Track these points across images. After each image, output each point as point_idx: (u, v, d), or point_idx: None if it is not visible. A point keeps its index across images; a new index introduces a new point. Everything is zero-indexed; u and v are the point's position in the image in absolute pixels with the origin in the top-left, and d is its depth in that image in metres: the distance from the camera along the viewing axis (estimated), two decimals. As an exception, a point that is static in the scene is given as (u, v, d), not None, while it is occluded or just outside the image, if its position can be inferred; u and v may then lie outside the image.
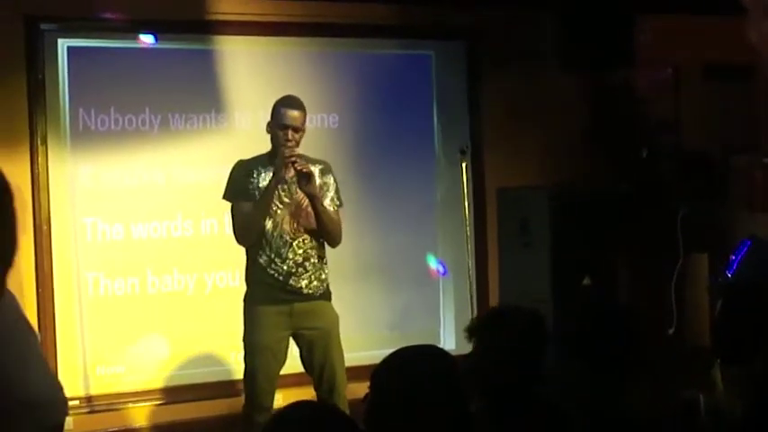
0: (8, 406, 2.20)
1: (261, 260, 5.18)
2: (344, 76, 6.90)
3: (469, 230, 6.40)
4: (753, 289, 3.86)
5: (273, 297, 5.15)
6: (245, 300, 5.26)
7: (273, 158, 5.15)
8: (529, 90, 7.16)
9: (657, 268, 7.02)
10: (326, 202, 5.21)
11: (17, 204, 1.57)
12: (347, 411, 4.80)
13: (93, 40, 6.35)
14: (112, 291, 6.29)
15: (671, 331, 6.80)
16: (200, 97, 6.50)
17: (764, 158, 6.99)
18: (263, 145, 5.23)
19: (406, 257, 7.06)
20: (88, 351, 6.23)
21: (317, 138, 6.16)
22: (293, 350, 5.29)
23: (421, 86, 7.21)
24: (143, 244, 6.36)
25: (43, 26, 6.13)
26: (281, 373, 5.25)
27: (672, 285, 6.95)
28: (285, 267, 5.14)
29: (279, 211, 5.15)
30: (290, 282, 5.15)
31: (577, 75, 7.14)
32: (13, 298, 2.41)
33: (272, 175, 5.13)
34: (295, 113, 5.13)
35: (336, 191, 5.29)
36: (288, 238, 5.15)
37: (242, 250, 5.28)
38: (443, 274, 7.16)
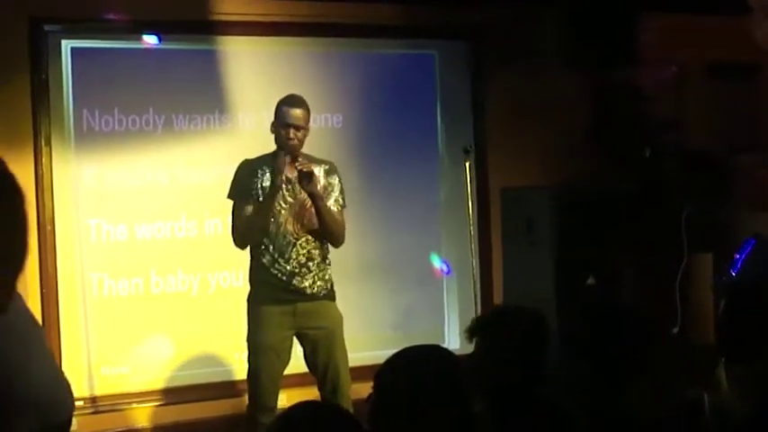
0: (10, 402, 2.20)
1: (264, 260, 5.18)
2: (348, 76, 6.90)
3: (473, 230, 6.39)
4: (757, 288, 3.85)
5: (277, 297, 5.15)
6: (248, 300, 5.26)
7: (276, 158, 5.16)
8: (532, 89, 7.15)
9: (661, 268, 7.01)
10: (330, 203, 5.21)
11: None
12: (350, 410, 4.81)
13: (97, 41, 6.35)
14: (116, 291, 6.29)
15: (675, 331, 6.79)
16: (203, 98, 6.50)
17: (768, 157, 7.00)
18: (267, 145, 5.24)
19: (410, 257, 7.06)
20: (92, 352, 6.24)
21: (321, 138, 6.16)
22: (297, 350, 5.29)
23: (424, 86, 7.21)
24: (147, 244, 6.36)
25: (47, 27, 6.14)
26: (285, 373, 5.26)
27: (676, 285, 6.94)
28: (288, 267, 5.15)
29: (282, 212, 5.15)
30: (294, 282, 5.15)
31: (581, 74, 7.13)
32: (18, 296, 2.42)
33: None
34: (297, 112, 5.14)
35: (341, 192, 5.29)
36: (291, 238, 5.16)
37: (246, 250, 5.29)
38: (447, 273, 7.16)
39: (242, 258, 5.36)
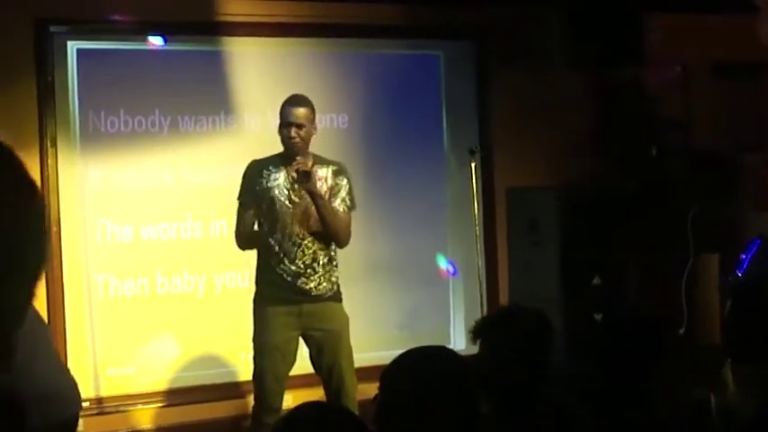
0: (17, 398, 2.19)
1: (270, 260, 5.19)
2: (354, 77, 6.91)
3: (479, 230, 6.39)
4: (763, 288, 3.84)
5: (282, 297, 5.16)
6: (254, 300, 5.27)
7: (285, 159, 5.17)
8: (537, 89, 7.15)
9: (667, 267, 7.01)
10: (336, 203, 5.21)
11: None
12: (356, 412, 4.81)
13: (103, 42, 6.36)
14: (122, 292, 6.29)
15: (681, 331, 6.78)
16: (209, 99, 6.50)
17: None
18: (273, 146, 5.25)
19: (416, 257, 7.06)
20: (98, 352, 6.24)
21: (327, 138, 6.16)
22: (303, 351, 5.29)
23: (429, 87, 7.21)
24: (153, 245, 6.37)
25: (53, 28, 6.14)
26: (291, 373, 5.26)
27: (682, 285, 6.94)
28: (294, 268, 5.15)
29: (288, 212, 5.15)
30: (298, 283, 5.15)
31: (586, 73, 7.13)
32: None
33: (281, 175, 5.15)
34: (297, 110, 5.14)
35: (349, 193, 5.28)
36: (297, 238, 5.16)
37: (252, 251, 5.30)
38: (453, 274, 7.16)
39: (248, 259, 5.36)
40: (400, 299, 7.00)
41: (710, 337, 6.46)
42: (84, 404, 5.92)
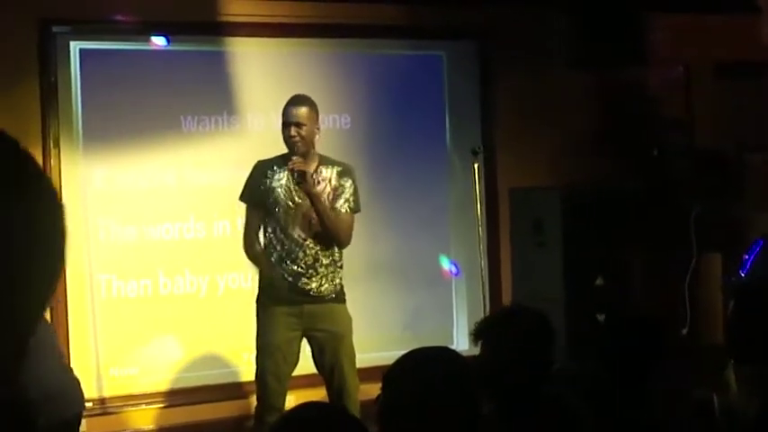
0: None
1: (272, 259, 5.19)
2: (356, 78, 6.91)
3: (482, 231, 6.39)
4: (766, 288, 3.84)
5: (284, 298, 5.16)
6: (257, 301, 5.27)
7: (288, 159, 5.17)
8: (540, 89, 7.14)
9: (670, 268, 7.00)
10: (339, 204, 5.21)
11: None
12: (358, 413, 4.81)
13: (106, 43, 6.37)
14: (125, 293, 6.29)
15: (684, 331, 6.78)
16: (212, 99, 6.50)
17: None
18: (276, 146, 5.25)
19: (419, 258, 7.06)
20: (101, 353, 6.24)
21: (330, 138, 6.16)
22: (306, 351, 5.30)
23: (432, 87, 7.21)
24: (155, 246, 6.37)
25: (55, 29, 6.15)
26: (294, 374, 5.26)
27: (685, 285, 6.94)
28: (295, 268, 5.15)
29: (291, 212, 5.15)
30: (300, 283, 5.15)
31: (589, 73, 7.13)
32: None
33: (284, 175, 5.15)
34: (296, 110, 5.15)
35: (353, 194, 5.27)
36: (299, 239, 5.16)
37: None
38: (456, 274, 7.15)
39: (250, 259, 5.37)
40: (403, 299, 6.99)
41: (713, 337, 6.46)
42: (87, 404, 5.92)
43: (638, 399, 3.22)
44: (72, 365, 6.02)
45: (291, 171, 5.08)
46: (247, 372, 6.07)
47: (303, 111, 5.15)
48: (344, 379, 5.20)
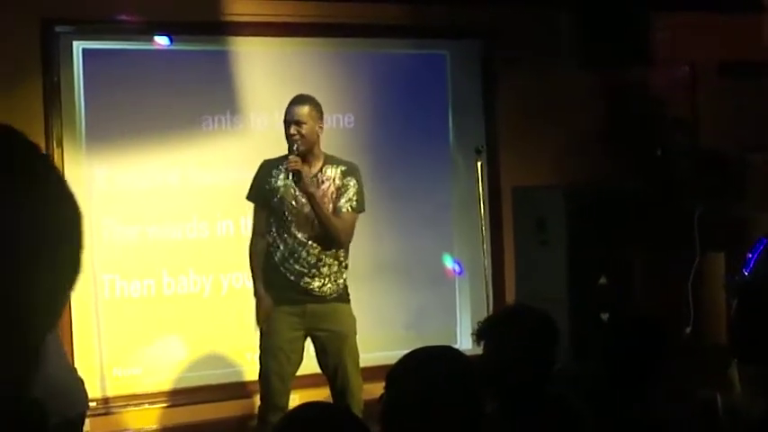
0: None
1: (275, 258, 5.20)
2: (360, 77, 6.90)
3: (485, 230, 6.38)
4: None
5: (286, 297, 5.17)
6: (262, 301, 5.29)
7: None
8: (544, 88, 7.14)
9: (674, 267, 7.00)
10: (341, 203, 5.21)
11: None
12: (361, 413, 4.82)
13: (108, 42, 6.37)
14: (128, 292, 6.30)
15: (688, 330, 6.78)
16: (215, 98, 6.50)
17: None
18: (279, 146, 5.25)
19: (422, 257, 7.06)
20: (105, 353, 6.25)
21: (333, 138, 6.16)
22: (310, 351, 5.30)
23: (436, 86, 7.20)
24: (159, 246, 6.37)
25: (58, 28, 6.15)
26: (298, 373, 5.27)
27: (688, 284, 6.93)
28: (298, 267, 5.15)
29: (295, 211, 5.15)
30: (302, 282, 5.15)
31: (593, 73, 7.13)
32: None
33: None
34: (296, 108, 5.15)
35: (356, 194, 5.25)
36: (302, 238, 5.15)
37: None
38: (459, 273, 7.15)
39: (254, 259, 5.37)
40: (406, 298, 6.99)
41: (717, 336, 6.46)
42: (91, 404, 5.92)
43: (641, 398, 3.21)
44: (75, 365, 6.02)
45: (286, 170, 5.09)
46: (251, 371, 6.08)
47: (303, 109, 5.15)
48: (347, 379, 5.20)
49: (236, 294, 6.45)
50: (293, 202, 5.16)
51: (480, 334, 3.26)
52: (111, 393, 6.26)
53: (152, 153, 6.35)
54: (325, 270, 5.18)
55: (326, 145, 5.44)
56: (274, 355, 5.16)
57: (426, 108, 7.14)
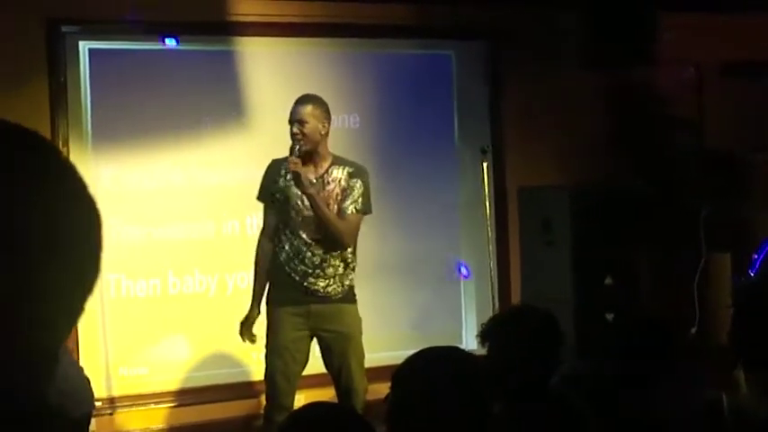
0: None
1: (281, 257, 5.19)
2: (365, 77, 6.91)
3: (491, 230, 6.38)
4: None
5: (291, 298, 5.17)
6: (267, 301, 5.28)
7: (296, 157, 5.17)
8: (549, 89, 7.14)
9: (679, 268, 7.00)
10: (346, 204, 5.20)
11: None
12: (361, 411, 4.81)
13: (115, 42, 6.38)
14: (134, 292, 6.30)
15: (693, 331, 6.77)
16: (220, 98, 6.51)
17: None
18: (285, 146, 5.24)
19: (428, 258, 7.06)
20: (111, 352, 6.25)
21: (338, 138, 6.16)
22: (316, 351, 5.30)
23: (441, 87, 7.21)
24: (164, 245, 6.37)
25: (64, 28, 6.15)
26: (304, 373, 5.26)
27: (694, 285, 6.93)
28: (302, 267, 5.14)
29: (301, 211, 5.15)
30: (306, 283, 5.14)
31: (598, 73, 7.12)
32: None
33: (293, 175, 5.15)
34: (299, 108, 5.15)
35: (362, 195, 5.24)
36: (307, 238, 5.15)
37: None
38: (467, 277, 7.14)
39: (259, 259, 5.37)
40: (412, 299, 7.00)
41: (722, 337, 6.44)
42: (97, 404, 5.93)
43: (646, 399, 3.21)
44: (81, 365, 6.03)
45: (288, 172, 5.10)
46: (256, 371, 6.08)
47: (306, 108, 5.15)
48: (351, 378, 5.20)
49: (242, 294, 6.43)
50: (299, 203, 5.15)
51: (484, 335, 3.27)
52: (116, 393, 6.26)
53: (158, 153, 6.36)
54: (330, 271, 5.18)
55: (332, 145, 5.43)
56: (279, 354, 5.16)
57: (432, 108, 7.14)
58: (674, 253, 6.96)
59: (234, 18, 6.52)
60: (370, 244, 5.75)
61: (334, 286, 5.18)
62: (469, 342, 6.96)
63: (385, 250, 6.76)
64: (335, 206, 5.18)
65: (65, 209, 0.96)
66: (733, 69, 7.56)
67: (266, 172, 5.31)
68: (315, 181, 5.15)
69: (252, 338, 5.32)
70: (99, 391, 6.01)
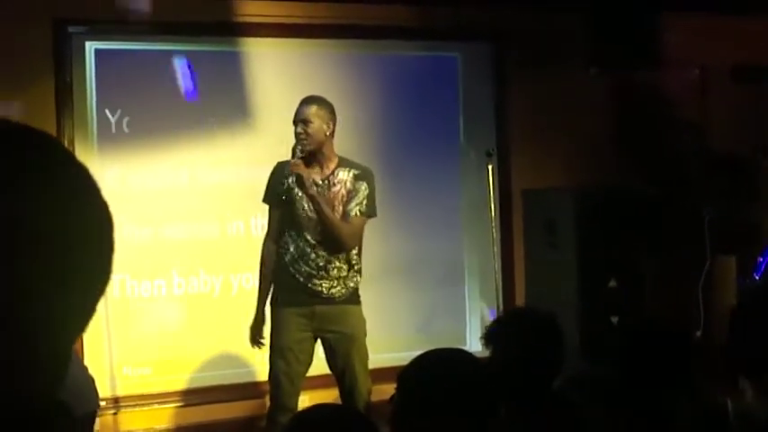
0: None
1: (285, 258, 5.20)
2: (370, 78, 6.91)
3: (495, 232, 6.38)
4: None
5: (295, 299, 5.17)
6: (271, 301, 5.28)
7: (305, 160, 5.17)
8: (555, 91, 7.13)
9: (684, 270, 6.99)
10: (350, 206, 5.20)
11: None
12: (364, 412, 4.81)
13: (121, 43, 6.38)
14: (139, 292, 6.31)
15: (698, 334, 6.76)
16: (226, 99, 6.51)
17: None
18: (290, 146, 5.25)
19: (433, 259, 7.05)
20: (115, 352, 6.26)
21: (343, 139, 6.15)
22: (320, 352, 5.30)
23: (446, 88, 7.20)
24: (169, 246, 6.38)
25: (71, 29, 6.16)
26: (309, 374, 5.26)
27: (699, 287, 6.92)
28: (306, 269, 5.14)
29: (306, 213, 5.15)
30: (310, 284, 5.14)
31: (604, 75, 7.12)
32: None
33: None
34: (304, 108, 5.16)
35: (367, 198, 5.23)
36: (312, 239, 5.15)
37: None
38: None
39: (264, 260, 5.37)
40: (417, 300, 6.99)
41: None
42: (101, 403, 5.94)
43: (650, 402, 3.21)
44: (85, 364, 6.04)
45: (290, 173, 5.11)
46: (260, 372, 6.08)
47: (310, 108, 5.15)
48: (356, 380, 5.20)
49: (247, 294, 6.44)
50: (303, 204, 5.16)
51: (488, 337, 3.27)
52: (120, 393, 6.27)
53: (163, 153, 6.36)
54: (334, 272, 5.18)
55: (336, 146, 5.44)
56: (283, 355, 5.16)
57: (437, 110, 7.14)
58: (679, 255, 6.95)
59: (239, 19, 6.52)
60: (374, 246, 5.75)
61: (339, 288, 5.18)
62: (473, 344, 6.95)
63: (389, 252, 6.76)
64: (340, 208, 5.18)
65: (76, 209, 0.96)
66: (739, 72, 7.55)
67: (272, 174, 5.31)
68: (321, 183, 5.15)
69: (260, 344, 5.32)
70: (103, 390, 6.01)
